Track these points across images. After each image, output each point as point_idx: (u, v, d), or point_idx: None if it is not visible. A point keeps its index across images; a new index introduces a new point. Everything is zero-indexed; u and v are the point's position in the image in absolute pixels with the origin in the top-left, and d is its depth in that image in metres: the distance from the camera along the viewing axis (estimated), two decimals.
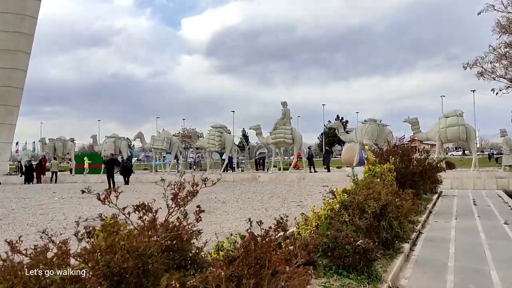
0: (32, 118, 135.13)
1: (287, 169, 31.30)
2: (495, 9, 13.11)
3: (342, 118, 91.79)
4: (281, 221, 5.01)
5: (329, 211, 6.42)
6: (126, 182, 24.95)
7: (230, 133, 31.36)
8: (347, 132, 28.77)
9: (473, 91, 60.59)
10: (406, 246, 6.57)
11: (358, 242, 4.73)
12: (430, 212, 11.67)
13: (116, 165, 25.73)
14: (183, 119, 60.15)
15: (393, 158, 11.48)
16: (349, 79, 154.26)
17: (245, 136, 77.17)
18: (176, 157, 38.46)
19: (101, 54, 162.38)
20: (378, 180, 9.16)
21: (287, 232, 6.22)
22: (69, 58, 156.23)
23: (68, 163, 37.01)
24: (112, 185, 20.25)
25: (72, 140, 34.44)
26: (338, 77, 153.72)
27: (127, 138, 34.71)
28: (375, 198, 6.28)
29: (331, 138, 79.99)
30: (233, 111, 72.84)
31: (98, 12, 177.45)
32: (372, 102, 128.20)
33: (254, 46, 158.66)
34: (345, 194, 7.36)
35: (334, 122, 27.78)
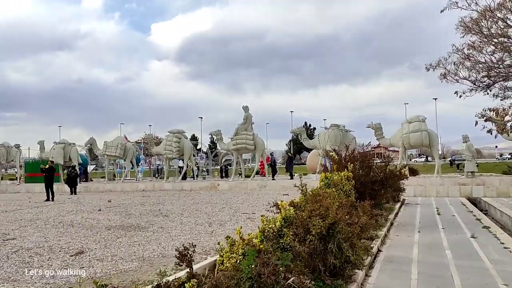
0: None
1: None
2: (458, 7, 12.41)
3: (310, 125, 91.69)
4: (185, 253, 3.70)
5: (264, 231, 5.15)
6: (73, 192, 22.95)
7: (197, 139, 29.80)
8: (310, 138, 27.86)
9: (435, 99, 61.96)
10: (361, 272, 5.38)
11: (289, 281, 3.47)
12: (392, 224, 10.66)
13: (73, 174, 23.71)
14: (150, 125, 57.53)
15: (351, 165, 10.40)
16: (318, 87, 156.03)
17: (213, 143, 75.40)
18: (132, 164, 36.59)
19: (66, 58, 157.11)
20: (332, 190, 8.00)
21: (207, 263, 4.91)
22: (31, 62, 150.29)
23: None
24: (51, 196, 18.30)
25: (18, 146, 31.89)
26: (307, 85, 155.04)
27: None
28: (321, 214, 5.07)
29: (299, 145, 79.56)
30: (201, 118, 70.93)
31: (63, 15, 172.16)
32: (340, 110, 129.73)
33: (224, 53, 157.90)
34: (292, 207, 6.17)
35: (297, 127, 26.77)
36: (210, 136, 31.48)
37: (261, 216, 5.66)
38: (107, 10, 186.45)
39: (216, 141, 28.10)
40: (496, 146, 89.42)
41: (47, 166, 19.46)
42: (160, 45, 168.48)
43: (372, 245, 7.36)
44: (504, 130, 13.74)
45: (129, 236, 8.17)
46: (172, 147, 27.01)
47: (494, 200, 16.48)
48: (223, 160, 38.27)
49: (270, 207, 6.38)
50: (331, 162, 11.28)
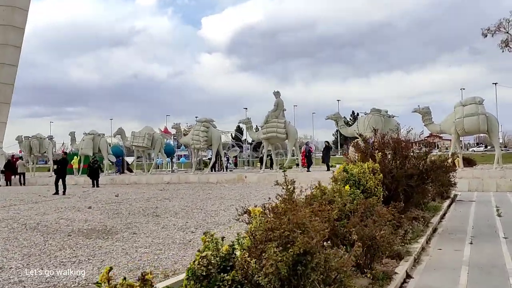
0: (55, 118, 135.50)
1: (290, 168, 28.16)
2: None
3: (357, 114, 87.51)
4: None
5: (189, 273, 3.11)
6: (95, 185, 21.99)
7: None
8: (348, 125, 25.25)
9: (495, 83, 56.91)
10: None
11: None
12: (435, 230, 8.20)
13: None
14: (196, 117, 56.64)
15: (380, 153, 8.04)
16: (370, 76, 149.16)
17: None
18: (169, 156, 35.59)
19: (122, 54, 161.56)
20: (341, 187, 5.78)
21: None
22: (91, 58, 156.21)
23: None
24: (63, 190, 17.17)
25: (51, 138, 31.72)
26: (359, 74, 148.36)
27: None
28: (284, 237, 2.95)
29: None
30: (246, 108, 69.23)
31: (120, 12, 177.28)
32: (393, 98, 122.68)
33: (274, 44, 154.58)
34: (274, 214, 4.09)
35: (333, 114, 24.17)
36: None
37: (204, 234, 3.62)
38: (161, 6, 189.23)
39: (247, 130, 26.17)
40: None
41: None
42: (211, 38, 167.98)
43: (396, 270, 5.10)
44: None
45: (80, 246, 6.43)
46: (199, 137, 25.40)
47: None
48: (263, 150, 36.43)
49: (239, 214, 4.38)
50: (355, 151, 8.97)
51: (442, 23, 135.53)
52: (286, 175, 4.96)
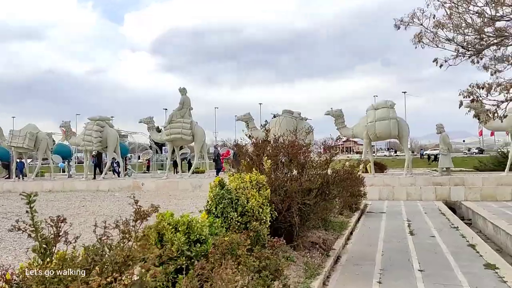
0: None
1: (202, 172, 25.79)
2: None
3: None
4: None
5: None
6: None
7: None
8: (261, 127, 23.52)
9: (404, 92, 60.59)
10: None
11: None
12: (337, 259, 6.42)
13: None
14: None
15: (270, 161, 6.06)
16: (294, 81, 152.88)
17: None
18: (69, 160, 31.44)
19: (36, 48, 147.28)
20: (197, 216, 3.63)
21: None
22: None
23: None
24: None
25: None
26: (283, 79, 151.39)
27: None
28: None
29: None
30: (166, 109, 64.73)
31: (33, 3, 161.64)
32: (315, 104, 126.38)
33: (200, 45, 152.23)
34: None
35: (244, 115, 22.25)
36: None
37: None
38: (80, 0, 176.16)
39: (148, 131, 23.23)
40: (464, 141, 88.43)
41: None
42: (134, 36, 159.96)
43: None
44: (495, 115, 9.53)
45: None
46: (92, 137, 22.06)
47: (480, 206, 12.66)
48: (179, 153, 33.47)
49: None
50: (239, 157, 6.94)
51: (358, 36, 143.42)
52: (33, 206, 2.72)
